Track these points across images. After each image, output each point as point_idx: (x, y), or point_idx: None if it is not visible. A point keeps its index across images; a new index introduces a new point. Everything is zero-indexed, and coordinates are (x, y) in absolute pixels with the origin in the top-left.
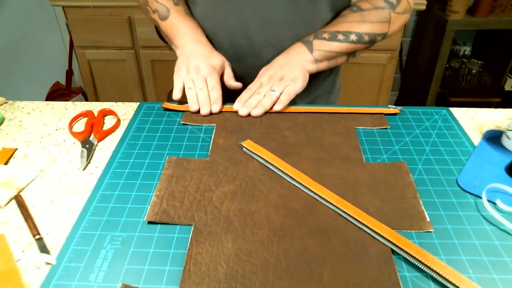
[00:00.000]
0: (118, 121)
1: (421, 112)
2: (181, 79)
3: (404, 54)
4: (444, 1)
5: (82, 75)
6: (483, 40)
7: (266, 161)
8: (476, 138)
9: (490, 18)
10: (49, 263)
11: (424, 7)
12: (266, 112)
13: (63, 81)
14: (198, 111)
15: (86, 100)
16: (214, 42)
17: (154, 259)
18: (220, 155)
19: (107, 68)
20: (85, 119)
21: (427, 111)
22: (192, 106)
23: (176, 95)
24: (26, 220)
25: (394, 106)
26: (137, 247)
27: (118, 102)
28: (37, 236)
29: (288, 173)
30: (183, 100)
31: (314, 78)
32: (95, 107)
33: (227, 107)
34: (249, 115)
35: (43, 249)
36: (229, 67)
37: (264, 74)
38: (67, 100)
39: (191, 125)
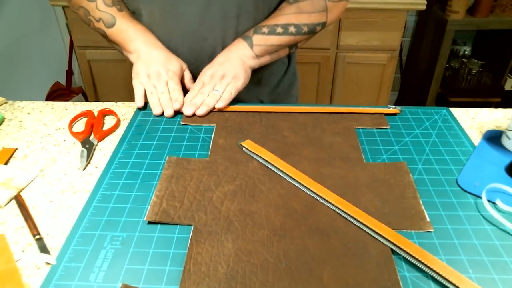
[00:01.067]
0: (118, 121)
1: (421, 112)
2: (141, 86)
3: (404, 54)
4: (444, 1)
5: (82, 75)
6: (483, 40)
7: (266, 161)
8: (476, 138)
9: (490, 18)
10: (49, 263)
11: (424, 7)
12: (264, 112)
13: (63, 81)
14: (162, 114)
15: (86, 100)
16: (169, 47)
17: (154, 259)
18: (220, 155)
19: (107, 68)
20: (85, 119)
21: (427, 111)
22: (155, 109)
23: (139, 102)
24: (26, 220)
25: (394, 106)
26: (137, 247)
27: (118, 102)
28: (37, 236)
29: (288, 173)
30: (145, 107)
31: (273, 74)
32: (95, 107)
33: (227, 107)
34: (194, 114)
35: (43, 249)
36: (188, 70)
37: (206, 73)
38: (67, 100)
39: (191, 125)
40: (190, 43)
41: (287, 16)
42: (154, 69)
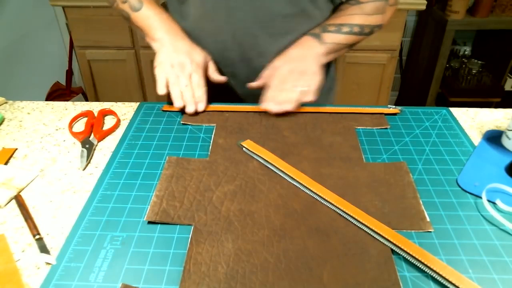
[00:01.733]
0: (118, 121)
1: (421, 112)
2: (164, 75)
3: (404, 54)
4: (444, 1)
5: (82, 75)
6: (483, 40)
7: (266, 161)
8: (476, 138)
9: (490, 18)
10: (49, 263)
11: (424, 7)
12: (264, 112)
13: (63, 81)
14: (183, 108)
15: (86, 100)
16: (216, 43)
17: (154, 259)
18: (220, 155)
19: (107, 68)
20: (85, 119)
21: (427, 111)
22: (176, 102)
23: (162, 90)
24: (26, 220)
25: (394, 106)
26: (137, 247)
27: (118, 102)
28: (37, 236)
29: (288, 173)
30: (166, 98)
31: None
32: (95, 107)
33: (227, 106)
34: (274, 112)
35: (43, 249)
36: (212, 62)
37: (283, 68)
38: (67, 100)
39: (191, 125)
40: (240, 38)
41: (351, 16)
42: (178, 59)
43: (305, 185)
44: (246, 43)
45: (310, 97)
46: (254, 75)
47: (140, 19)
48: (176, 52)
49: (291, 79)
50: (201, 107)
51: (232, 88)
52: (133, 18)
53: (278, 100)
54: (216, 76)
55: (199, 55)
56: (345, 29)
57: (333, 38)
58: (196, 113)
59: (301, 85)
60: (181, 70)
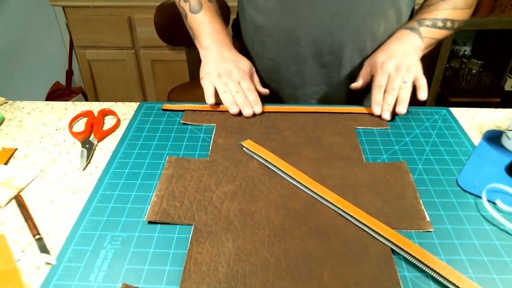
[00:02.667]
0: (118, 121)
1: (421, 112)
2: (211, 84)
3: None
4: None
5: (82, 75)
6: (483, 40)
7: (266, 161)
8: (476, 138)
9: (490, 18)
10: (49, 263)
11: None
12: (264, 112)
13: (63, 81)
14: (239, 114)
15: (86, 100)
16: (289, 39)
17: (154, 259)
18: (220, 155)
19: (107, 68)
20: (85, 119)
21: (427, 111)
22: (231, 108)
23: (210, 100)
24: (26, 220)
25: None
26: (137, 247)
27: (118, 102)
28: (37, 236)
29: (288, 173)
30: (217, 101)
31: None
32: (95, 107)
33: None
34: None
35: (43, 249)
36: (255, 73)
37: (388, 65)
38: (67, 100)
39: (191, 124)
40: (316, 36)
41: (444, 11)
42: (224, 68)
43: (305, 185)
44: (321, 40)
45: (424, 94)
46: (322, 74)
47: (195, 22)
48: (222, 61)
49: (399, 75)
50: (258, 109)
51: (295, 87)
52: (189, 19)
53: (387, 102)
54: (259, 88)
55: (245, 63)
56: (439, 23)
57: (430, 33)
58: (254, 115)
59: (408, 80)
60: (229, 78)
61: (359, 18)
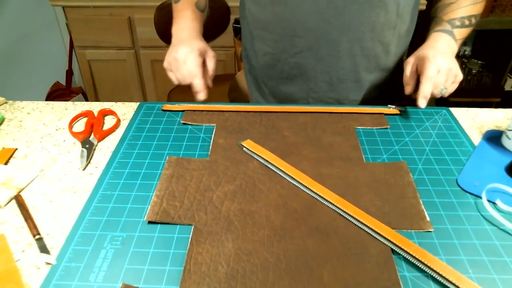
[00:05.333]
0: (118, 121)
1: (421, 112)
2: (172, 75)
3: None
4: None
5: (82, 75)
6: (483, 40)
7: (266, 160)
8: (476, 138)
9: (490, 18)
10: (49, 263)
11: (424, 7)
12: (264, 112)
13: (63, 81)
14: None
15: (86, 100)
16: (285, 29)
17: (154, 259)
18: (220, 155)
19: (107, 68)
20: (85, 119)
21: (427, 111)
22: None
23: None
24: (26, 220)
25: (394, 106)
26: (137, 247)
27: (118, 102)
28: (37, 236)
29: (288, 173)
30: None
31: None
32: (95, 107)
33: (227, 106)
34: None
35: (43, 249)
36: (211, 52)
37: (440, 60)
38: (67, 100)
39: (191, 124)
40: (312, 25)
41: (466, 8)
42: (172, 55)
43: (305, 185)
44: (317, 30)
45: (460, 77)
46: (321, 67)
47: (174, 11)
48: (174, 46)
49: (445, 78)
50: (201, 97)
51: (295, 80)
52: (173, 9)
53: (427, 95)
54: (209, 64)
55: (197, 45)
56: (466, 21)
57: (461, 34)
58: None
59: (447, 89)
60: (176, 64)
61: (356, 5)
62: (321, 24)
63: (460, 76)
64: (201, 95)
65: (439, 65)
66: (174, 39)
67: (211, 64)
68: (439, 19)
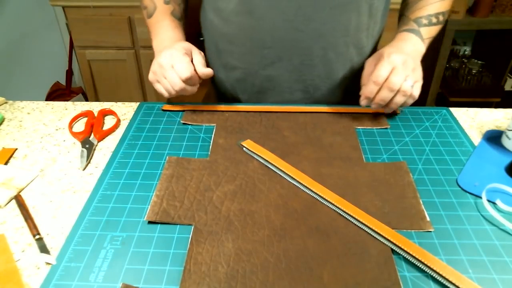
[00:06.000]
0: (118, 121)
1: (421, 112)
2: (158, 86)
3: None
4: None
5: (82, 75)
6: (483, 40)
7: (266, 160)
8: (476, 138)
9: (490, 18)
10: (49, 263)
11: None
12: (264, 112)
13: (63, 81)
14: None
15: (86, 100)
16: (253, 41)
17: (154, 259)
18: (220, 155)
19: (107, 68)
20: (85, 119)
21: (427, 111)
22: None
23: (167, 95)
24: (26, 220)
25: None
26: (137, 247)
27: (118, 102)
28: (37, 236)
29: (288, 173)
30: (166, 98)
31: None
32: (95, 107)
33: (227, 106)
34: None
35: (43, 249)
36: (199, 56)
37: (396, 57)
38: (67, 100)
39: (191, 124)
40: (281, 35)
41: (434, 5)
42: (157, 62)
43: (305, 184)
44: (288, 39)
45: (417, 92)
46: (294, 79)
47: (150, 26)
48: (158, 54)
49: (403, 71)
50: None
51: (269, 93)
52: (148, 26)
53: (383, 97)
54: (200, 68)
55: (181, 45)
56: (434, 19)
57: (429, 32)
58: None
59: (410, 80)
60: (162, 70)
61: (326, 11)
62: (291, 32)
63: (418, 74)
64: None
65: (393, 63)
66: (156, 54)
67: (198, 57)
68: (406, 18)
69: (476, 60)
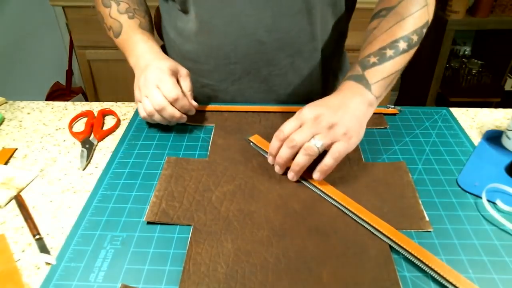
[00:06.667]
0: (118, 121)
1: (421, 112)
2: (141, 107)
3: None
4: (444, 1)
5: (82, 75)
6: (483, 40)
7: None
8: (476, 138)
9: (490, 18)
10: (49, 263)
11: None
12: (263, 112)
13: (63, 81)
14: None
15: (86, 100)
16: (218, 59)
17: (154, 259)
18: (219, 155)
19: (107, 68)
20: (85, 119)
21: (427, 111)
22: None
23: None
24: (26, 220)
25: (393, 106)
26: (137, 247)
27: (118, 102)
28: (37, 236)
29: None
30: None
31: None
32: (95, 107)
33: (226, 107)
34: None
35: (43, 249)
36: (186, 79)
37: (307, 112)
38: (67, 100)
39: (191, 125)
40: (244, 49)
41: (389, 31)
42: (139, 81)
43: (305, 184)
44: (252, 52)
45: (317, 174)
46: (265, 91)
47: (120, 44)
48: (139, 76)
49: (311, 128)
50: (182, 119)
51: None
52: (117, 45)
53: (280, 156)
54: (184, 85)
55: (166, 63)
56: (390, 52)
57: (380, 73)
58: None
59: (319, 142)
60: (147, 90)
61: (286, 18)
62: (254, 45)
63: (339, 131)
64: (190, 111)
65: (302, 118)
66: (136, 71)
67: (186, 84)
68: (357, 59)
69: (476, 60)
